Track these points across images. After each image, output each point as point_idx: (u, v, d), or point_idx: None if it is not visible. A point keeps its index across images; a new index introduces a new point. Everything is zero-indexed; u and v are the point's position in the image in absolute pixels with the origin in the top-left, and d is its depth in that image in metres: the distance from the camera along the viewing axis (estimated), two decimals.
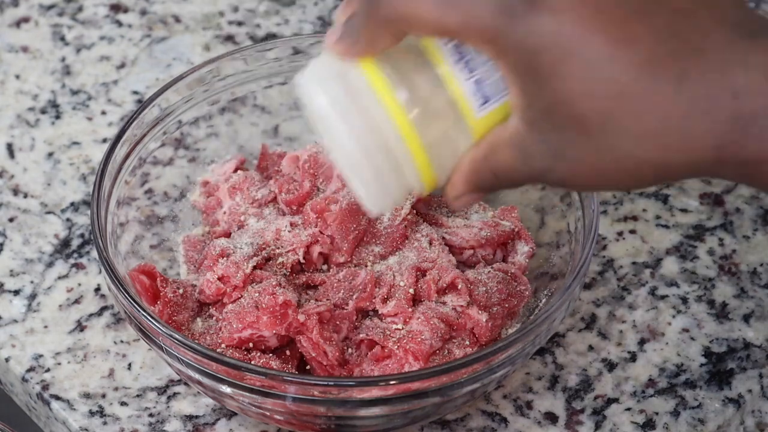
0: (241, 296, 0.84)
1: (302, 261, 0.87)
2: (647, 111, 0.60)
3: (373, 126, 0.65)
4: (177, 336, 0.79)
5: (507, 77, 0.63)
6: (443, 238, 0.88)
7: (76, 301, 0.93)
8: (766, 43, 0.61)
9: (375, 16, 0.64)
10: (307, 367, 0.84)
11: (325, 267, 0.88)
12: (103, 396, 0.88)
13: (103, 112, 1.06)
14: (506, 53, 0.62)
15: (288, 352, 0.84)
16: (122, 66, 1.09)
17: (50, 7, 1.14)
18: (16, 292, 0.94)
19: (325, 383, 0.78)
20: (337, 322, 0.84)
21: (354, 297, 0.85)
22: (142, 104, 0.91)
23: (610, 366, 0.90)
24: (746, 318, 0.92)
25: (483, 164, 0.66)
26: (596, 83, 0.60)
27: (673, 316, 0.92)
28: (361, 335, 0.84)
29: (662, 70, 0.60)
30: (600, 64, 0.60)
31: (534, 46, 0.61)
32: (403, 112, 0.64)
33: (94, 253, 0.95)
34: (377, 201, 0.68)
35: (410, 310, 0.84)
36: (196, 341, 0.82)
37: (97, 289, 0.94)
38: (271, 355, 0.83)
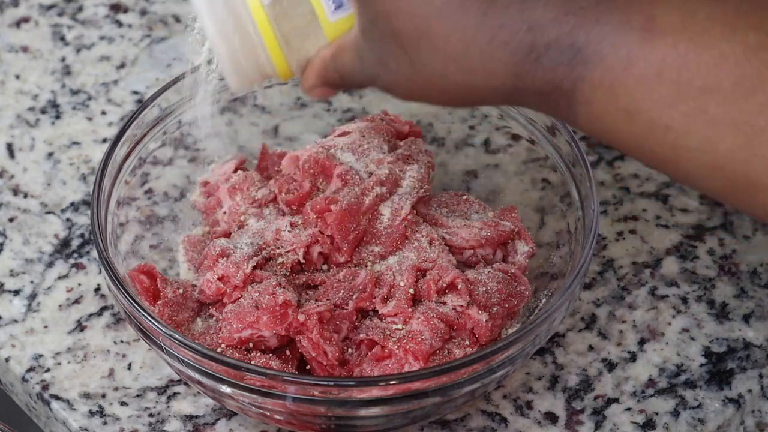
0: (241, 296, 0.84)
1: (302, 261, 0.87)
2: (454, 35, 0.66)
3: (234, 11, 0.74)
4: (177, 336, 0.79)
5: None
6: (443, 238, 0.88)
7: (76, 301, 0.93)
8: None
9: None
10: (307, 367, 0.84)
11: (325, 267, 0.88)
12: (103, 396, 0.88)
13: (103, 112, 1.06)
14: None
15: (288, 352, 0.84)
16: (122, 66, 1.09)
17: (50, 7, 1.14)
18: (16, 292, 0.94)
19: (325, 383, 0.78)
20: (337, 322, 0.84)
21: (354, 297, 0.85)
22: (142, 104, 0.91)
23: (610, 366, 0.90)
24: (746, 318, 0.92)
25: (330, 63, 0.74)
26: (412, 2, 0.67)
27: (673, 316, 0.92)
28: (361, 335, 0.84)
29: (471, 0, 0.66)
30: None
31: None
32: (260, 4, 0.74)
33: (94, 253, 0.95)
34: (233, 78, 0.76)
35: (410, 310, 0.84)
36: (196, 341, 0.82)
37: (97, 289, 0.94)
38: (271, 355, 0.83)
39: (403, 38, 0.68)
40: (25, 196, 1.00)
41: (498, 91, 0.68)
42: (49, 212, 0.99)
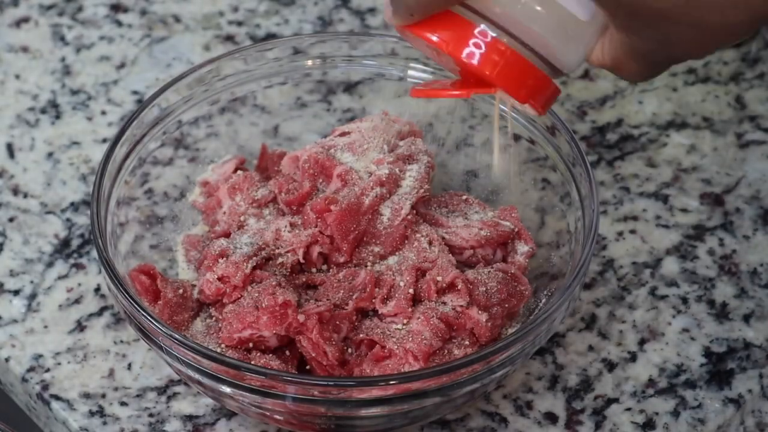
0: (241, 296, 0.84)
1: (302, 261, 0.87)
2: None
3: None
4: (177, 336, 0.79)
5: None
6: (443, 238, 0.88)
7: (76, 301, 0.93)
8: None
9: None
10: (307, 367, 0.84)
11: (325, 267, 0.88)
12: (103, 396, 0.88)
13: (103, 112, 1.06)
14: None
15: (288, 352, 0.84)
16: (122, 66, 1.09)
17: (50, 7, 1.14)
18: (16, 292, 0.94)
19: (325, 383, 0.78)
20: (337, 322, 0.84)
21: (354, 297, 0.85)
22: (142, 104, 0.91)
23: (610, 366, 0.90)
24: (746, 318, 0.92)
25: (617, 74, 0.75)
26: None
27: (673, 316, 0.92)
28: (361, 335, 0.84)
29: None
30: None
31: None
32: None
33: (94, 253, 0.95)
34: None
35: (410, 310, 0.84)
36: (196, 341, 0.82)
37: (97, 289, 0.94)
38: (271, 355, 0.83)
39: (671, 14, 0.69)
40: (25, 196, 1.00)
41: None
42: (49, 212, 0.99)
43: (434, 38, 0.74)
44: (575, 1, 0.73)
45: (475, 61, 0.74)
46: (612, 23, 0.72)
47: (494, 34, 0.74)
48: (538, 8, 0.73)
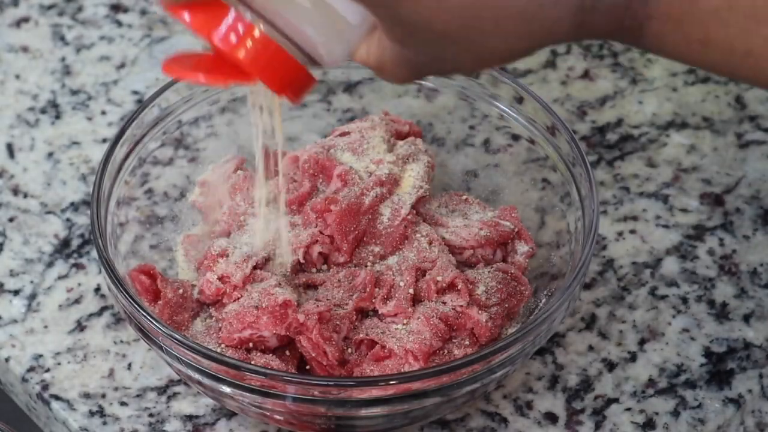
0: (241, 296, 0.84)
1: (302, 261, 0.87)
2: (504, 17, 0.66)
3: None
4: (177, 336, 0.79)
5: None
6: (443, 238, 0.88)
7: (76, 301, 0.93)
8: None
9: None
10: (307, 367, 0.84)
11: (325, 267, 0.88)
12: (103, 396, 0.88)
13: (103, 112, 1.06)
14: None
15: (288, 352, 0.84)
16: (122, 66, 1.09)
17: (50, 7, 1.14)
18: (16, 292, 0.94)
19: (325, 383, 0.78)
20: (337, 322, 0.84)
21: (354, 297, 0.85)
22: (142, 104, 0.91)
23: (610, 366, 0.90)
24: (746, 318, 0.92)
25: (377, 75, 0.73)
26: (443, 3, 0.65)
27: (673, 316, 0.92)
28: (361, 335, 0.84)
29: None
30: None
31: None
32: None
33: (94, 253, 0.95)
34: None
35: (410, 310, 0.84)
36: (196, 341, 0.82)
37: (97, 289, 0.94)
38: (271, 355, 0.83)
39: (451, 36, 0.67)
40: (25, 196, 1.00)
41: (562, 40, 0.69)
42: (49, 212, 0.99)
43: (187, 18, 0.72)
44: (347, 2, 0.71)
45: (225, 46, 0.71)
46: (386, 34, 0.69)
47: (250, 20, 0.71)
48: (307, 5, 0.72)
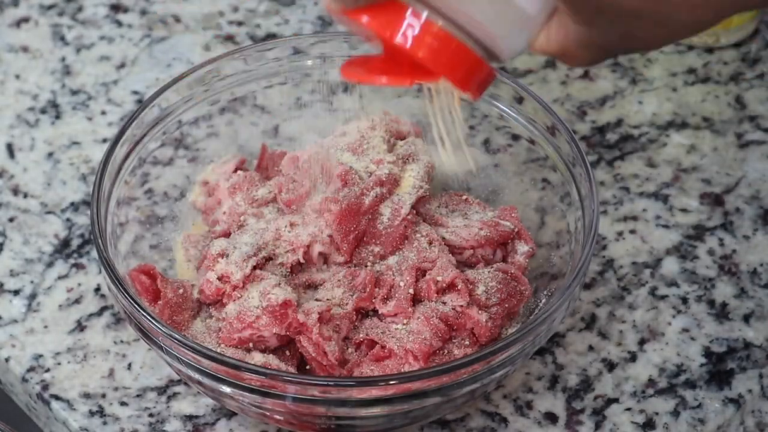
0: (241, 296, 0.84)
1: (302, 261, 0.87)
2: None
3: None
4: (177, 336, 0.79)
5: None
6: (443, 238, 0.88)
7: (76, 301, 0.93)
8: None
9: None
10: (307, 367, 0.84)
11: (325, 267, 0.88)
12: (103, 396, 0.88)
13: (103, 112, 1.06)
14: None
15: (288, 352, 0.84)
16: (122, 66, 1.09)
17: (50, 7, 1.14)
18: (16, 292, 0.94)
19: (325, 383, 0.78)
20: (337, 322, 0.84)
21: (354, 297, 0.85)
22: (142, 104, 0.91)
23: (610, 366, 0.90)
24: (746, 318, 0.92)
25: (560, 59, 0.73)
26: None
27: (673, 316, 0.92)
28: (361, 335, 0.84)
29: None
30: None
31: None
32: None
33: (94, 253, 0.95)
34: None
35: (410, 310, 0.84)
36: (196, 341, 0.82)
37: (97, 289, 0.94)
38: (271, 355, 0.83)
39: (644, 12, 0.67)
40: (25, 196, 1.00)
41: (756, 5, 0.70)
42: (49, 212, 0.99)
43: (366, 21, 0.71)
44: None
45: (408, 45, 0.71)
46: (571, 17, 0.70)
47: (427, 16, 0.71)
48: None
